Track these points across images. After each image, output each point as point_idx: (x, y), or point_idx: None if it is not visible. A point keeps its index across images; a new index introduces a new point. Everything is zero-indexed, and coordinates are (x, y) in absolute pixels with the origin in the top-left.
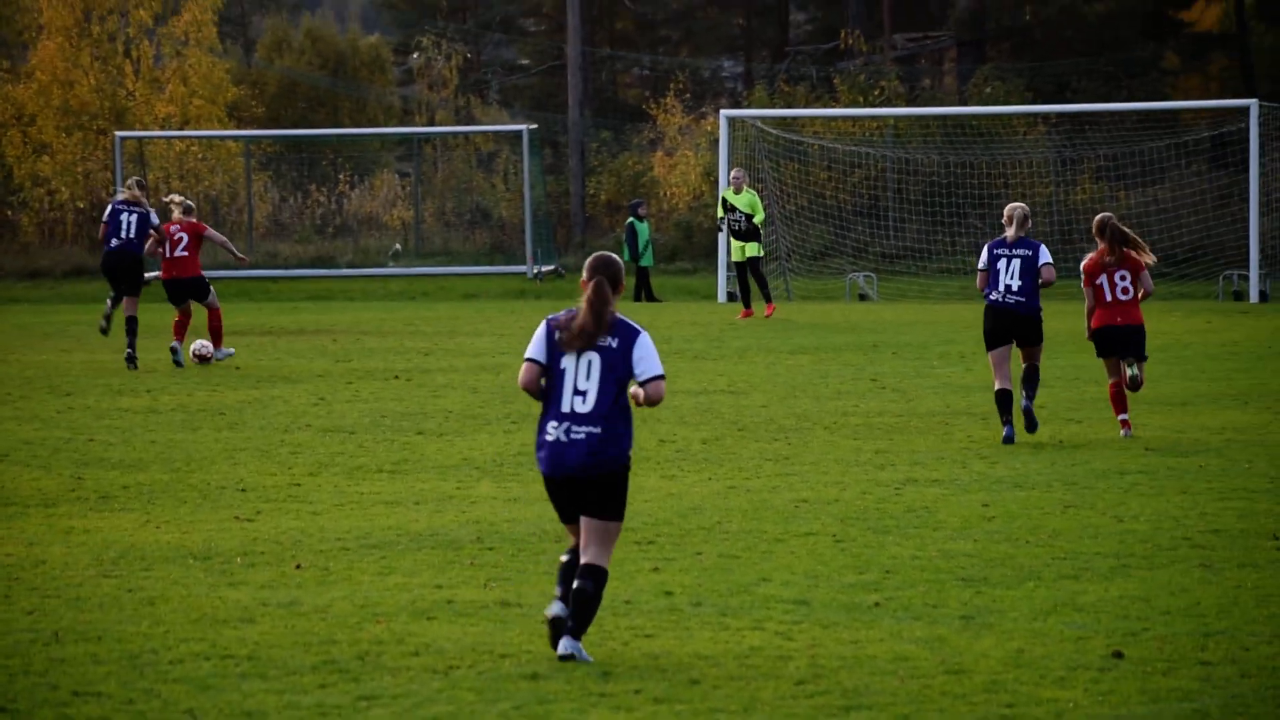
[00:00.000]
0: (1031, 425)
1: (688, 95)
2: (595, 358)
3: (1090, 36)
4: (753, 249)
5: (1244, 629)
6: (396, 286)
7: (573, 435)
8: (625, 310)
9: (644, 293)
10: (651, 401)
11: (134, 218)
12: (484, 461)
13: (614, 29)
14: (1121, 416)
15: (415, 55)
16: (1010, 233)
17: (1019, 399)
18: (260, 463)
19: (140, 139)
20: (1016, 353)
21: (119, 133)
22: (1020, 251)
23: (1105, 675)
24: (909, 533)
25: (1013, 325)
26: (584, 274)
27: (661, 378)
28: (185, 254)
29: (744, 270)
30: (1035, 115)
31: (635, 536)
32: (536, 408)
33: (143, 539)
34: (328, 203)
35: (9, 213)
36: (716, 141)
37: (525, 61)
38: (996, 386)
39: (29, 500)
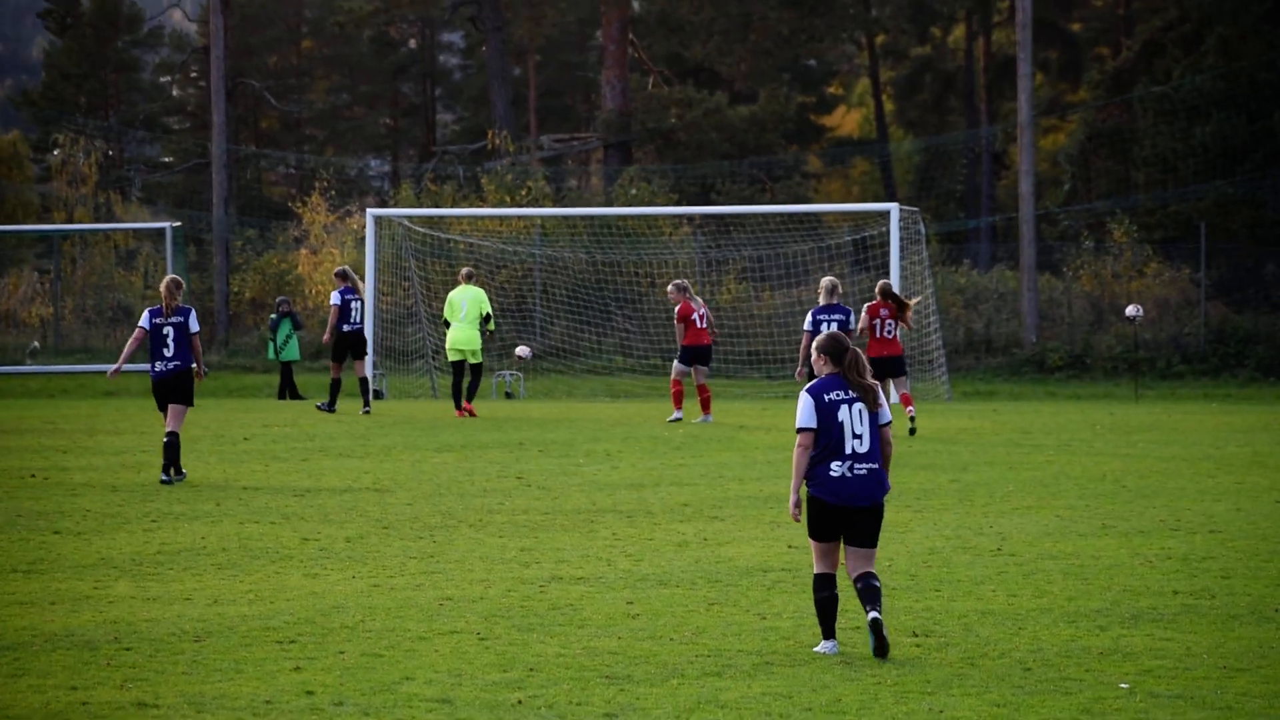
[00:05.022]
0: None
1: (333, 193)
2: (863, 408)
3: (735, 140)
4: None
5: None
6: (35, 384)
7: (857, 471)
8: (269, 408)
9: (288, 391)
10: (886, 441)
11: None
12: (122, 561)
13: (259, 127)
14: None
15: (54, 152)
16: (823, 300)
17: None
18: None
19: None
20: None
21: None
22: (836, 316)
23: None
24: (554, 630)
25: None
26: (826, 353)
27: (890, 423)
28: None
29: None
30: (680, 216)
31: (276, 635)
32: (178, 508)
33: None
34: None
35: None
36: (363, 240)
37: (169, 159)
38: None
39: None
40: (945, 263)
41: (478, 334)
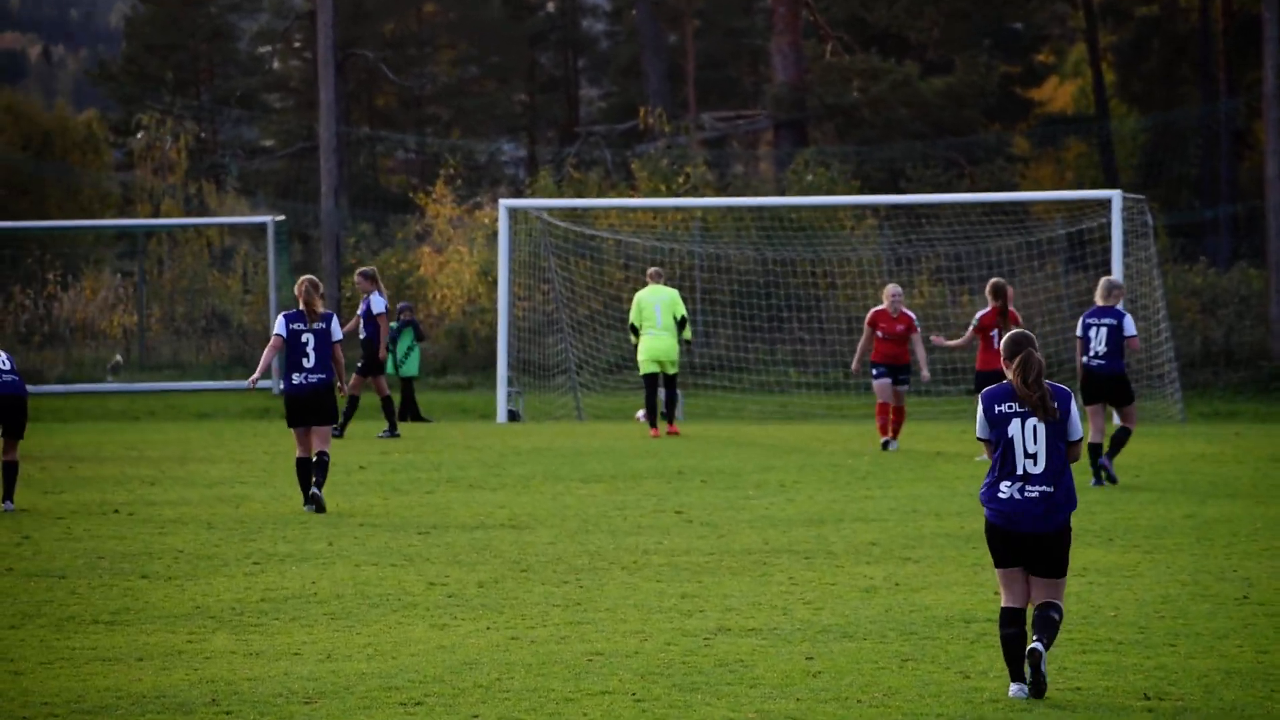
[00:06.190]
0: (1105, 478)
1: (460, 182)
2: (1038, 424)
3: (928, 117)
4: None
5: None
6: (117, 405)
7: (1027, 493)
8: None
9: (409, 412)
10: (1072, 458)
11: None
12: (220, 610)
13: (374, 106)
14: None
15: (137, 135)
16: (1099, 300)
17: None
18: None
19: None
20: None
21: None
22: (1107, 321)
23: None
24: (721, 690)
25: (1101, 386)
26: (1006, 352)
27: (1080, 440)
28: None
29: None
30: (864, 207)
31: (400, 696)
32: (284, 549)
33: None
34: (34, 307)
35: None
36: (495, 235)
37: (269, 143)
38: (1090, 439)
39: None
40: (1177, 260)
41: (675, 342)
